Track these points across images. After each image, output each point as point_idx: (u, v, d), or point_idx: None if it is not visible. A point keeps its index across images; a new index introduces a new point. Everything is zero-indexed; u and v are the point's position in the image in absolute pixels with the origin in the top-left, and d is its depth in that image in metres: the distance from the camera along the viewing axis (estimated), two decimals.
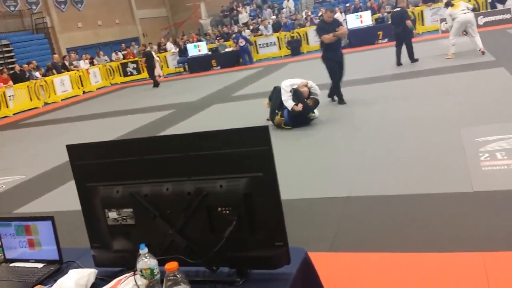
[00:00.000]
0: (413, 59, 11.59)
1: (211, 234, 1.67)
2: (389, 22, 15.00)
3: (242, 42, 19.96)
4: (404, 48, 11.40)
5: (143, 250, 1.57)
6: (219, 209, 1.64)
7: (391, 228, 3.55)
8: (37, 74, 17.82)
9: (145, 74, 21.28)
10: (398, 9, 11.90)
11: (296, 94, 7.17)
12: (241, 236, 1.64)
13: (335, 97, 8.60)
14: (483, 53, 10.71)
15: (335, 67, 8.31)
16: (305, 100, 7.16)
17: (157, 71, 18.81)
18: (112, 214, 1.76)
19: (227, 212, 1.64)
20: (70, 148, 1.84)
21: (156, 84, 17.13)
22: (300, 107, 7.05)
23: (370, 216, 3.84)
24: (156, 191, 1.71)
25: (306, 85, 7.37)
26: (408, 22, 11.30)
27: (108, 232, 1.79)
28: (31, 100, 16.92)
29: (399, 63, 11.54)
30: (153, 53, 18.23)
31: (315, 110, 7.37)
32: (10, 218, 2.14)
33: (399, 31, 11.31)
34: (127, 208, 1.74)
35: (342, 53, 8.49)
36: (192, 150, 1.70)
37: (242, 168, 1.63)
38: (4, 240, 2.12)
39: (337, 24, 8.35)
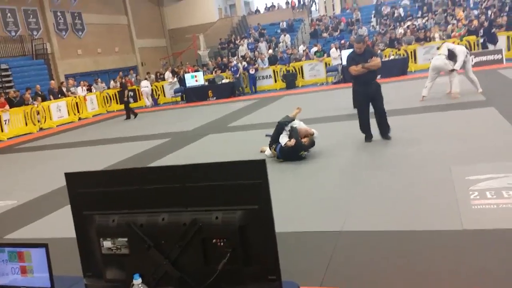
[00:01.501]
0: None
1: (205, 265, 1.68)
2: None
3: (252, 70, 20.48)
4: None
5: (137, 280, 1.58)
6: (214, 240, 1.67)
7: (382, 264, 3.55)
8: (75, 89, 18.41)
9: (142, 102, 21.46)
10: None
11: (292, 132, 7.27)
12: (235, 268, 1.65)
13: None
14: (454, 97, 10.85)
15: (362, 101, 7.68)
16: (299, 138, 7.24)
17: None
18: (107, 243, 1.77)
19: (222, 244, 1.66)
20: (69, 176, 1.87)
21: (128, 117, 17.01)
22: (292, 142, 7.14)
23: (361, 251, 3.85)
24: (152, 221, 1.73)
25: (307, 130, 7.42)
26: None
27: (102, 261, 1.80)
28: (26, 125, 16.94)
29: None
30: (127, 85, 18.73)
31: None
32: (4, 244, 2.14)
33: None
34: (122, 238, 1.76)
35: (376, 87, 7.52)
36: (189, 181, 1.74)
37: (238, 200, 1.67)
38: None
39: (370, 55, 7.53)
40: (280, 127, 7.50)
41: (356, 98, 7.85)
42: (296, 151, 7.15)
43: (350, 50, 18.77)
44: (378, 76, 8.00)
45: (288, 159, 7.16)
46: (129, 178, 1.84)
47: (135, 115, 17.12)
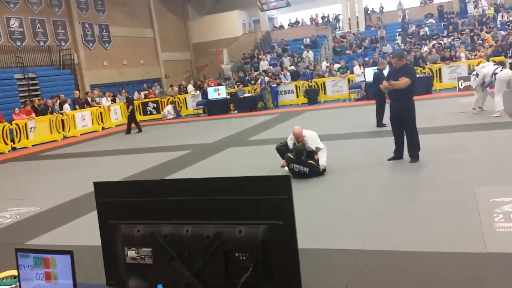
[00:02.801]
0: (379, 123, 11.16)
1: (226, 279, 1.69)
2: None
3: (273, 84, 20.61)
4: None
5: None
6: (237, 254, 1.67)
7: (402, 285, 3.49)
8: (66, 106, 18.55)
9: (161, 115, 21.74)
10: (377, 71, 12.03)
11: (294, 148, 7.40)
12: (256, 283, 1.65)
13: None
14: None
15: (391, 118, 7.57)
16: (288, 154, 7.26)
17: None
18: (131, 253, 1.80)
19: (244, 258, 1.66)
20: (97, 185, 1.91)
21: (129, 131, 17.02)
22: (284, 163, 7.35)
23: (381, 270, 3.80)
24: (176, 233, 1.75)
25: (300, 138, 7.40)
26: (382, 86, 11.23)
27: (125, 270, 1.82)
28: (51, 133, 17.29)
29: (379, 125, 11.12)
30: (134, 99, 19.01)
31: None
32: (29, 249, 2.18)
33: (376, 92, 11.27)
34: (146, 248, 1.78)
35: (404, 105, 7.24)
36: (214, 194, 1.75)
37: (262, 215, 1.67)
38: (22, 271, 2.15)
39: (402, 73, 7.28)
40: (280, 150, 7.61)
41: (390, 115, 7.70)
42: (300, 157, 7.11)
43: (374, 68, 18.81)
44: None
45: (295, 173, 7.09)
46: (155, 189, 1.86)
47: (140, 129, 17.16)
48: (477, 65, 11.62)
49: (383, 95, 10.84)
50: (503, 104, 10.79)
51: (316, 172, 7.10)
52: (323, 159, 7.26)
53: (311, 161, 7.13)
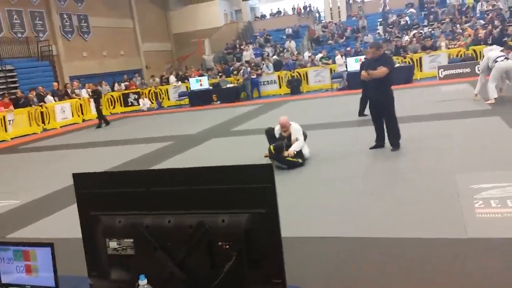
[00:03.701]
0: (360, 113, 11.02)
1: (210, 268, 1.68)
2: None
3: (253, 75, 20.56)
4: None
5: (142, 281, 1.58)
6: (220, 243, 1.66)
7: (386, 271, 3.54)
8: (49, 97, 18.19)
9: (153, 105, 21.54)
10: (364, 60, 11.97)
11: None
12: (240, 271, 1.65)
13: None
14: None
15: (371, 107, 7.70)
16: (270, 146, 7.31)
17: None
18: (113, 244, 1.77)
19: (228, 247, 1.65)
20: (76, 177, 1.87)
21: (100, 126, 16.56)
22: (267, 154, 7.38)
23: (365, 257, 3.84)
24: (158, 223, 1.73)
25: (287, 128, 7.43)
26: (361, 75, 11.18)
27: (107, 262, 1.80)
28: (30, 125, 17.00)
29: (360, 114, 11.03)
30: (102, 93, 18.44)
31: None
32: (10, 242, 2.15)
33: (362, 81, 11.24)
34: (128, 239, 1.76)
35: (383, 94, 7.29)
36: (196, 184, 1.73)
37: (244, 204, 1.66)
38: (1, 264, 2.12)
39: (380, 63, 7.34)
40: (269, 134, 7.59)
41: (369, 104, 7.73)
42: (279, 153, 7.15)
43: (355, 58, 18.83)
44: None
45: (281, 163, 7.11)
46: (136, 180, 1.84)
47: (107, 123, 16.81)
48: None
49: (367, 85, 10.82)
50: (496, 93, 10.87)
51: (295, 166, 7.12)
52: (294, 147, 7.20)
53: (289, 158, 7.13)
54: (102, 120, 16.69)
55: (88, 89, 20.80)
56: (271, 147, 7.24)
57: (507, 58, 11.05)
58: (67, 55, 23.58)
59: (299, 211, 5.15)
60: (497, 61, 10.88)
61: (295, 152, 7.16)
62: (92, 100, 17.64)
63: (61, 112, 18.59)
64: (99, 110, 16.79)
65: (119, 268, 1.79)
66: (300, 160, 7.18)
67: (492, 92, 10.73)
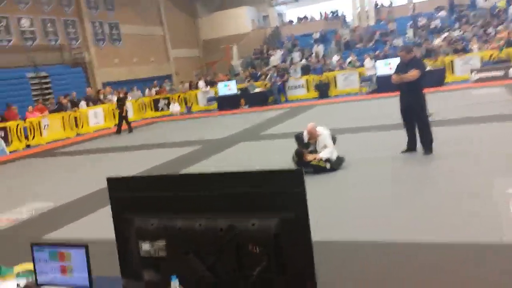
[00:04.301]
0: None
1: (239, 272, 1.69)
2: None
3: (279, 81, 20.54)
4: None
5: (174, 282, 1.60)
6: (250, 247, 1.67)
7: (419, 276, 3.47)
8: (83, 103, 18.58)
9: (182, 108, 21.80)
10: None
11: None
12: (269, 276, 1.65)
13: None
14: None
15: (402, 111, 7.49)
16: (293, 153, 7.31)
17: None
18: (145, 246, 1.80)
19: (257, 251, 1.66)
20: (110, 181, 1.92)
21: (119, 131, 16.63)
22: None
23: (397, 262, 3.78)
24: (190, 226, 1.75)
25: (314, 136, 7.38)
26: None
27: (140, 263, 1.83)
28: (64, 130, 17.45)
29: None
30: (126, 100, 18.24)
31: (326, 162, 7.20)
32: (44, 243, 2.21)
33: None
34: (160, 241, 1.78)
35: (415, 97, 7.23)
36: (226, 188, 1.75)
37: (275, 208, 1.67)
38: (38, 264, 2.18)
39: (412, 66, 7.26)
40: (298, 138, 7.57)
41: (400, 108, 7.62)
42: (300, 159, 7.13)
43: (386, 61, 18.56)
44: None
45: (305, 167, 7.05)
46: (168, 183, 1.87)
47: (131, 130, 16.78)
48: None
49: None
50: None
51: (322, 170, 7.06)
52: (322, 154, 7.16)
53: (313, 162, 7.09)
54: (127, 125, 16.72)
55: (121, 95, 21.20)
56: (293, 155, 7.22)
57: None
58: (99, 62, 24.11)
59: (328, 215, 5.12)
60: None
61: (323, 158, 7.11)
62: (116, 106, 17.57)
63: (94, 117, 19.02)
64: (121, 117, 16.79)
65: (151, 269, 1.81)
66: (327, 166, 7.11)
67: None
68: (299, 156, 7.17)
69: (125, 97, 17.78)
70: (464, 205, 4.87)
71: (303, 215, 1.64)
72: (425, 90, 7.45)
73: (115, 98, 20.67)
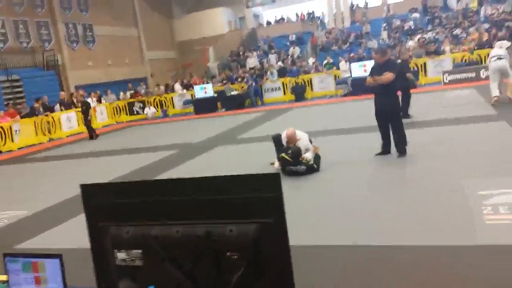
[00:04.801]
0: (406, 114, 10.98)
1: (218, 279, 1.68)
2: None
3: (254, 84, 20.58)
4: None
5: None
6: (228, 253, 1.66)
7: (393, 279, 3.52)
8: (58, 107, 18.34)
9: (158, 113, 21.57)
10: (399, 61, 12.07)
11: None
12: (248, 282, 1.64)
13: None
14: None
15: (377, 114, 7.54)
16: (280, 155, 7.32)
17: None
18: (121, 255, 1.77)
19: (236, 257, 1.65)
20: (84, 187, 1.88)
21: (91, 137, 16.15)
22: (277, 164, 7.41)
23: (373, 266, 3.82)
24: (166, 234, 1.73)
25: (294, 141, 7.41)
26: (409, 75, 11.34)
27: (115, 272, 1.80)
28: (36, 135, 17.08)
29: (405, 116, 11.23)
30: (91, 104, 17.91)
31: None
32: (18, 254, 2.15)
33: (399, 83, 11.23)
34: (136, 249, 1.75)
35: (390, 100, 7.32)
36: (203, 194, 1.73)
37: (252, 214, 1.66)
38: (11, 276, 2.12)
39: (386, 68, 7.32)
40: (276, 140, 7.59)
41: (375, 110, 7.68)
42: (297, 157, 7.14)
43: (360, 63, 18.82)
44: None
45: (291, 172, 7.09)
46: (144, 190, 1.84)
47: (96, 136, 16.36)
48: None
49: (408, 85, 10.96)
50: (498, 92, 10.87)
51: (311, 169, 7.10)
52: (308, 154, 7.29)
53: (306, 161, 7.13)
54: (93, 132, 16.31)
55: (94, 98, 20.91)
56: (285, 155, 7.17)
57: (500, 58, 10.93)
58: (73, 64, 23.73)
59: (305, 219, 5.14)
60: (490, 61, 10.88)
61: (310, 159, 7.18)
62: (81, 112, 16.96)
63: (67, 121, 18.67)
64: (87, 123, 16.31)
65: (128, 279, 1.78)
66: (315, 166, 7.17)
67: (492, 90, 10.78)
68: (296, 155, 7.12)
69: (88, 102, 17.26)
70: (439, 208, 4.94)
71: (280, 219, 1.64)
72: (399, 92, 7.55)
73: (89, 101, 20.39)
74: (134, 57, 28.30)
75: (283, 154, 7.21)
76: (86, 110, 16.26)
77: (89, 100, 20.46)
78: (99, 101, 21.40)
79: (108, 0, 26.50)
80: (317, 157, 7.26)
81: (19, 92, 20.00)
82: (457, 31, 22.97)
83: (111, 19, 26.59)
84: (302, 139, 7.40)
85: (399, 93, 11.01)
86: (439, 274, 3.48)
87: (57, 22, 23.25)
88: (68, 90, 22.47)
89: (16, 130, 16.33)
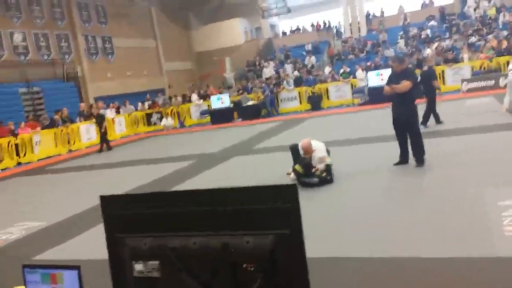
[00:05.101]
0: (425, 123, 11.00)
1: None
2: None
3: (268, 93, 20.57)
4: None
5: None
6: (245, 265, 1.65)
7: None
8: (107, 111, 18.89)
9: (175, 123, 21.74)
10: (426, 68, 11.99)
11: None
12: None
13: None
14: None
15: (394, 123, 7.46)
16: (294, 166, 7.31)
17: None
18: (138, 266, 1.78)
19: (253, 269, 1.64)
20: (103, 198, 1.89)
21: (101, 150, 16.19)
22: (291, 173, 7.43)
23: (390, 278, 3.76)
24: (184, 245, 1.73)
25: (310, 153, 7.35)
26: (435, 83, 11.31)
27: (133, 284, 1.81)
28: (56, 146, 17.33)
29: (437, 122, 11.22)
30: (110, 115, 18.22)
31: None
32: (37, 265, 2.17)
33: (425, 90, 11.15)
34: (154, 261, 1.76)
35: (407, 109, 7.21)
36: (220, 205, 1.73)
37: (269, 225, 1.65)
38: (29, 287, 2.14)
39: (403, 77, 7.24)
40: (294, 150, 7.57)
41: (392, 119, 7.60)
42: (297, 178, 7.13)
43: (377, 71, 18.71)
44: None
45: (304, 184, 7.04)
46: (161, 201, 1.85)
47: (110, 148, 16.45)
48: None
49: (434, 93, 10.99)
50: (508, 103, 10.70)
51: (324, 181, 7.06)
52: (322, 166, 7.19)
53: (318, 173, 7.09)
54: (105, 144, 16.40)
55: (113, 109, 21.18)
56: (298, 167, 7.17)
57: None
58: (92, 76, 24.10)
59: (322, 230, 5.10)
60: (509, 74, 10.71)
61: (322, 169, 7.15)
62: (96, 124, 17.06)
63: (86, 132, 18.92)
64: (102, 134, 16.49)
65: None
66: (328, 177, 7.13)
67: (504, 101, 10.65)
68: (307, 167, 7.11)
69: (103, 114, 17.39)
70: (457, 218, 4.86)
71: (297, 230, 1.63)
72: (417, 101, 7.48)
73: (108, 112, 20.66)
74: (152, 68, 28.62)
75: (296, 166, 7.21)
76: (100, 122, 16.44)
77: (107, 111, 20.77)
78: (117, 112, 21.65)
79: (127, 12, 26.91)
80: (328, 167, 7.20)
81: (39, 104, 20.35)
82: (475, 38, 22.72)
83: (129, 31, 26.98)
84: (318, 150, 7.36)
85: (425, 101, 11.11)
86: (457, 286, 3.41)
87: (77, 34, 23.68)
88: (88, 101, 22.81)
89: (36, 142, 16.60)
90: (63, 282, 2.06)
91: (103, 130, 16.47)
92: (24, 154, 16.05)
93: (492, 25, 24.29)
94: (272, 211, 1.66)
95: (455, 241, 4.25)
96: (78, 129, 18.51)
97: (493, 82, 17.00)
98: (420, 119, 10.48)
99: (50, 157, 16.64)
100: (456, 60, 19.68)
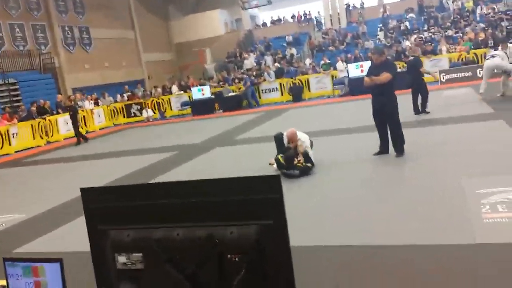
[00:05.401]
0: (423, 110, 11.33)
1: (220, 281, 1.67)
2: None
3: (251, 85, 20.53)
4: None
5: None
6: (229, 256, 1.65)
7: (392, 279, 3.52)
8: (82, 103, 18.65)
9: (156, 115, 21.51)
10: (412, 58, 12.14)
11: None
12: (250, 284, 1.64)
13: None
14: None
15: (374, 114, 7.57)
16: (278, 157, 7.29)
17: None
18: (122, 258, 1.76)
19: (237, 259, 1.65)
20: (84, 191, 1.87)
21: (78, 143, 15.87)
22: (272, 161, 7.43)
23: (371, 265, 3.82)
24: (167, 236, 1.72)
25: (295, 141, 7.37)
26: (423, 69, 11.54)
27: (116, 276, 1.80)
28: (34, 138, 17.04)
29: (416, 111, 11.34)
30: (88, 106, 17.99)
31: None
32: (18, 259, 2.14)
33: (413, 79, 11.31)
34: (137, 253, 1.75)
35: (388, 100, 7.27)
36: (203, 196, 1.73)
37: (253, 216, 1.66)
38: (11, 281, 2.11)
39: (383, 69, 7.32)
40: (278, 139, 7.58)
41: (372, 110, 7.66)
42: (280, 167, 7.16)
43: (357, 63, 18.84)
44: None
45: (288, 174, 7.07)
46: (144, 193, 1.84)
47: (86, 140, 16.24)
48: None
49: (422, 81, 11.22)
50: (483, 88, 11.31)
51: (305, 172, 7.11)
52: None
53: (300, 164, 7.12)
54: (80, 137, 16.13)
55: (91, 101, 20.89)
56: (281, 158, 7.18)
57: (493, 56, 11.23)
58: (69, 67, 23.68)
59: (305, 220, 5.14)
60: (486, 60, 11.26)
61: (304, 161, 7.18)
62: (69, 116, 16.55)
63: (64, 124, 18.62)
64: (75, 127, 16.11)
65: (129, 282, 1.78)
66: (309, 164, 7.17)
67: (481, 86, 11.11)
68: (288, 161, 7.13)
69: (74, 106, 16.98)
70: (435, 206, 4.95)
71: (281, 221, 1.64)
72: (397, 92, 7.57)
73: (86, 104, 20.37)
74: (131, 60, 28.25)
75: (279, 156, 7.23)
76: (73, 115, 16.04)
77: (86, 102, 20.46)
78: (96, 103, 21.36)
79: (105, 2, 26.44)
80: (305, 155, 7.23)
81: (16, 96, 19.94)
82: (453, 31, 23.02)
83: (107, 22, 26.54)
84: (303, 140, 7.41)
85: (412, 90, 11.28)
86: (438, 272, 3.48)
87: (53, 25, 23.19)
88: (66, 93, 22.41)
89: (13, 134, 16.29)
90: (45, 275, 2.04)
91: (78, 123, 16.07)
92: (1, 147, 15.75)
93: (470, 17, 24.63)
94: (256, 201, 1.66)
95: (436, 229, 4.33)
96: (56, 120, 18.20)
97: (470, 73, 17.30)
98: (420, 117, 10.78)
99: (28, 149, 16.36)
100: (434, 52, 19.93)
